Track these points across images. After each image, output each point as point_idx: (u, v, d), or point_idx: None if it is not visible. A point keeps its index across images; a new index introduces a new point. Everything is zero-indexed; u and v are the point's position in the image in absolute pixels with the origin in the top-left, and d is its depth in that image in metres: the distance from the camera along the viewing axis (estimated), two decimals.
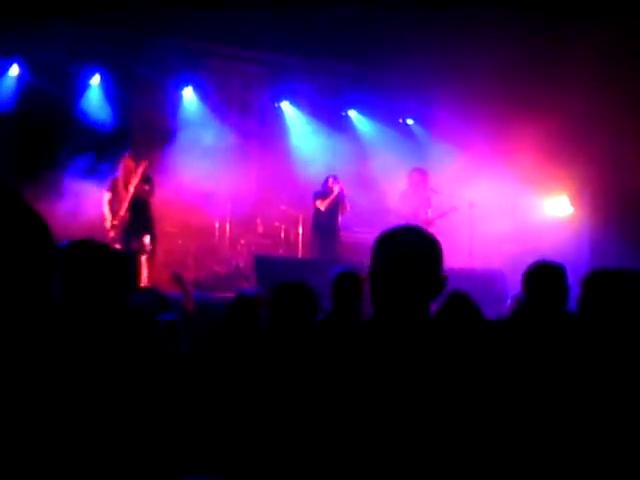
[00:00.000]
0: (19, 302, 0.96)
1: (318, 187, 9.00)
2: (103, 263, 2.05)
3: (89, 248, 2.12)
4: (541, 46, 8.92)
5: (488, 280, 7.46)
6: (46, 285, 1.00)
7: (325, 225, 8.76)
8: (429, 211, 8.81)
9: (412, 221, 8.61)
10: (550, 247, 8.54)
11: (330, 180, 8.89)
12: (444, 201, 8.89)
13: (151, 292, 4.46)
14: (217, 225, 9.66)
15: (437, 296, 1.81)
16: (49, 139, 9.04)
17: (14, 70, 9.24)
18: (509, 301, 4.17)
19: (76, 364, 1.61)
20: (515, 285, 7.57)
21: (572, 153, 9.48)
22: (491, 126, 9.78)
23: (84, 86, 9.66)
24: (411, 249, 1.79)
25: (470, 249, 8.94)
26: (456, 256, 9.21)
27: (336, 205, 8.78)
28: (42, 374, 1.03)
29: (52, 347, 1.06)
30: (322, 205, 8.73)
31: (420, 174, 8.73)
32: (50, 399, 1.07)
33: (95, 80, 9.75)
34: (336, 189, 8.76)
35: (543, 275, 3.28)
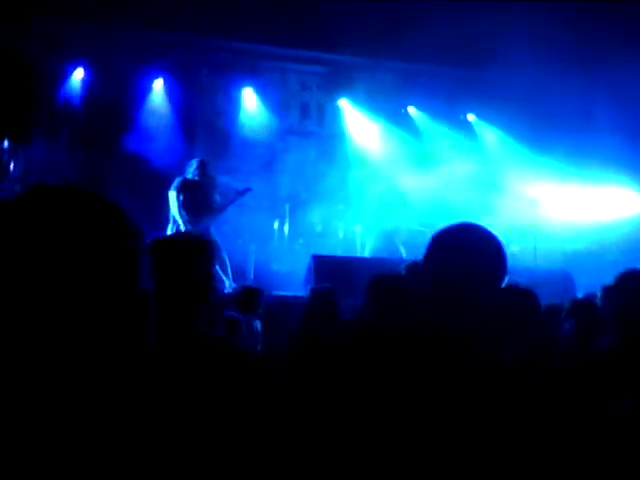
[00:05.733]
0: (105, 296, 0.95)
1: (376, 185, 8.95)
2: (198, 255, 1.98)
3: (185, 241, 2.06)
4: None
5: (552, 279, 7.23)
6: (131, 280, 0.99)
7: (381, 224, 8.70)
8: None
9: None
10: (618, 245, 8.22)
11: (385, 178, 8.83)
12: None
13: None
14: (276, 225, 9.70)
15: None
16: (113, 142, 9.28)
17: (79, 74, 9.51)
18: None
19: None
20: (581, 283, 7.32)
21: None
22: (557, 121, 9.52)
23: (147, 90, 9.87)
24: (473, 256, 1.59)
25: (534, 248, 8.72)
26: (520, 255, 9.01)
27: (393, 204, 8.69)
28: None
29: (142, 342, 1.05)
30: (378, 202, 8.64)
31: None
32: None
33: (158, 84, 9.95)
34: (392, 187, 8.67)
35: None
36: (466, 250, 1.60)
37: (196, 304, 1.92)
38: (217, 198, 7.83)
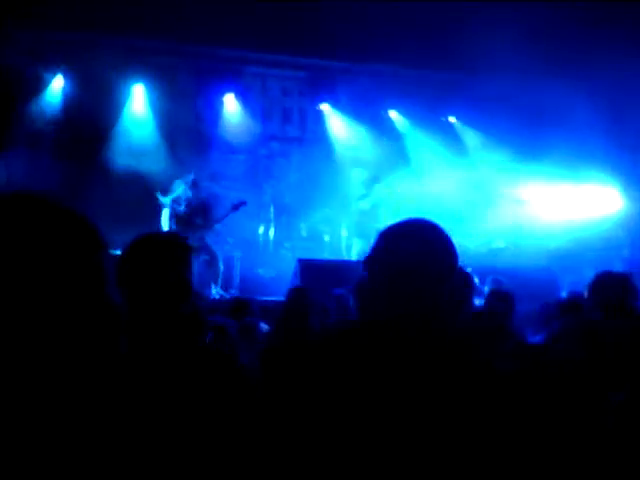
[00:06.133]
0: (73, 312, 0.95)
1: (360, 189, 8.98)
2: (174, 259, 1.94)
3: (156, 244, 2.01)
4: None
5: (536, 278, 7.29)
6: (98, 293, 0.99)
7: (367, 227, 8.72)
8: None
9: None
10: (600, 243, 8.32)
11: (370, 181, 8.86)
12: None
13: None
14: (261, 230, 9.71)
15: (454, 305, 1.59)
16: (94, 150, 9.23)
17: (58, 82, 9.45)
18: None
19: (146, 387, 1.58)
20: (564, 281, 7.38)
21: (622, 145, 9.25)
22: (539, 122, 9.61)
23: (127, 96, 9.84)
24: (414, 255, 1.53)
25: (519, 246, 8.79)
26: (505, 253, 9.08)
27: (377, 206, 8.73)
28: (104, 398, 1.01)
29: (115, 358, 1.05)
30: (364, 205, 8.70)
31: None
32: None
33: (139, 90, 9.92)
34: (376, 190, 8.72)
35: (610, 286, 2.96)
36: (412, 242, 1.56)
37: (174, 304, 1.88)
38: (211, 215, 7.85)
